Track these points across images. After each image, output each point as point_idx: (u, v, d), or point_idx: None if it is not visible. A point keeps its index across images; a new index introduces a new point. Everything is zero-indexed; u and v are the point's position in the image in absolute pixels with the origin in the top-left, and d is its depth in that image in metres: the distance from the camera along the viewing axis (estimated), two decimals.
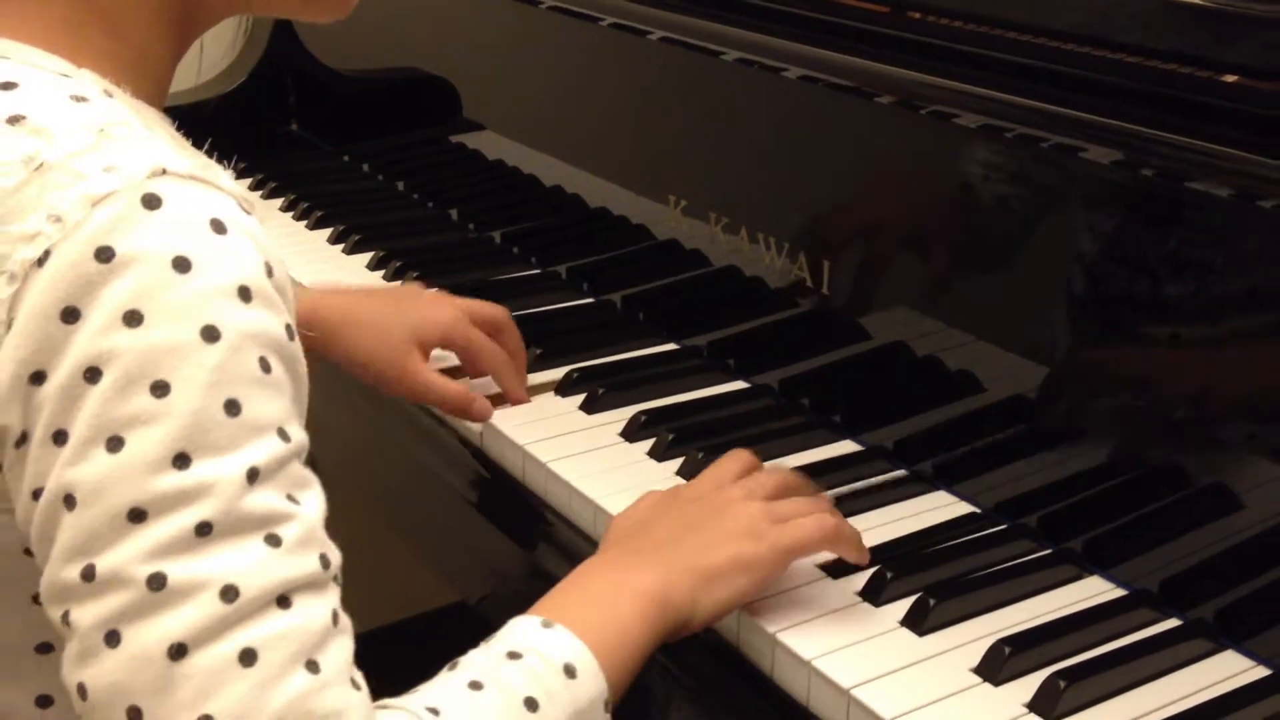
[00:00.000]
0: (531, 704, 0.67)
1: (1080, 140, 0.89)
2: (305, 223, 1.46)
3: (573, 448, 1.01)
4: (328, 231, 1.43)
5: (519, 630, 0.71)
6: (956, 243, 0.99)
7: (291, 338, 0.63)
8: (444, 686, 0.68)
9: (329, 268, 1.35)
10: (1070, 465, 0.90)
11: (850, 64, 1.02)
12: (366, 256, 1.36)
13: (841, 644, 0.80)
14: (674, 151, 1.20)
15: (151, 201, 0.59)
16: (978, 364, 0.95)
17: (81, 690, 0.58)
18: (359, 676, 0.62)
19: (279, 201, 1.52)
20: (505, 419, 1.03)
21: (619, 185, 1.25)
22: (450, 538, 1.11)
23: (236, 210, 0.62)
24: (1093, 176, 0.89)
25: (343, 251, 1.39)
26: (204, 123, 1.65)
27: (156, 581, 0.57)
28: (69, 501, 0.58)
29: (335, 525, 0.66)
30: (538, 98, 1.37)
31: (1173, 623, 0.83)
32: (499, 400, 1.06)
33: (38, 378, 0.58)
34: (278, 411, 0.61)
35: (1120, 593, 0.85)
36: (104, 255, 0.58)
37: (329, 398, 1.18)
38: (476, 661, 0.69)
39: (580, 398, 1.07)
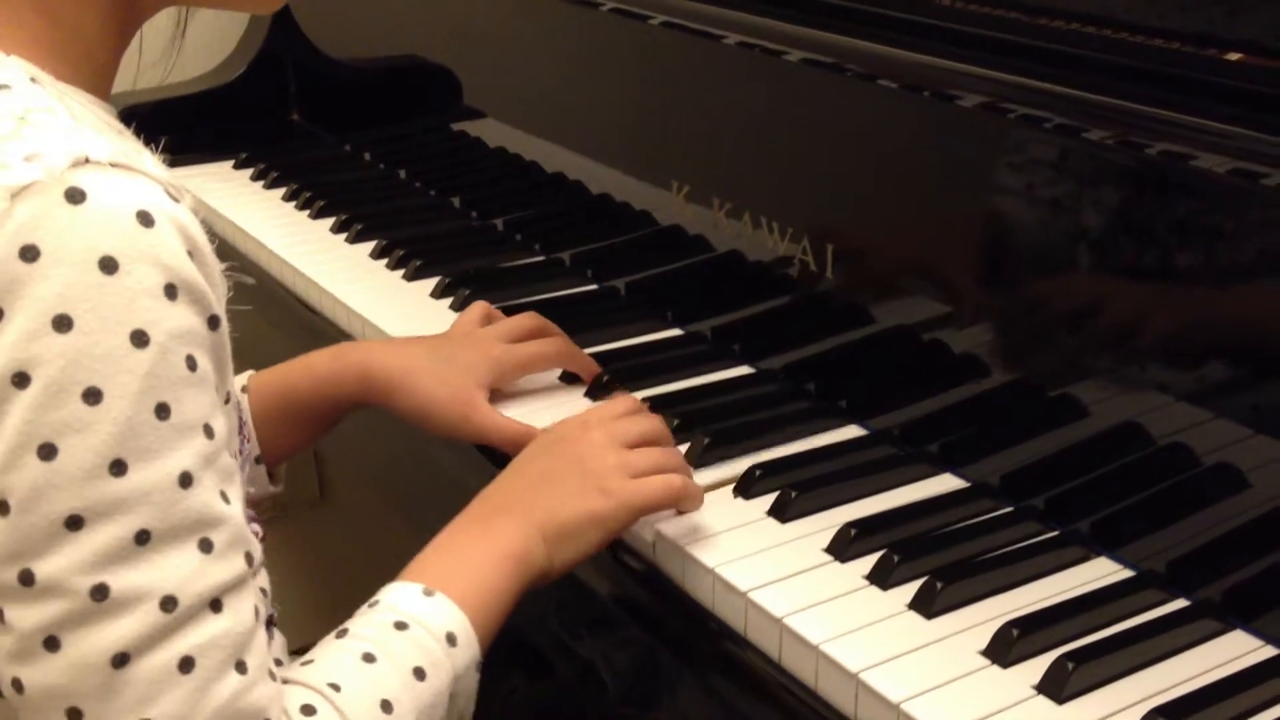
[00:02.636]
0: (419, 673, 0.71)
1: (1082, 121, 0.88)
2: (308, 212, 1.46)
3: None
4: (330, 221, 1.43)
5: (403, 598, 0.75)
6: (959, 225, 0.99)
7: (215, 327, 0.63)
8: (339, 659, 0.71)
9: (332, 257, 1.35)
10: (1076, 446, 0.90)
11: (851, 46, 1.02)
12: (369, 245, 1.36)
13: (849, 627, 0.80)
14: (676, 137, 1.19)
15: (75, 195, 0.58)
16: (983, 346, 0.95)
17: (17, 684, 0.60)
18: (272, 664, 0.66)
19: (281, 191, 1.52)
20: (509, 409, 1.03)
21: (621, 171, 1.25)
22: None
23: (163, 197, 0.61)
24: (1095, 156, 0.88)
25: (345, 241, 1.39)
26: (205, 113, 1.66)
27: (99, 593, 0.58)
28: (3, 507, 0.58)
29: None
30: (539, 84, 1.37)
31: (1180, 603, 0.83)
32: None
33: None
34: (203, 408, 0.62)
35: (1128, 574, 0.85)
36: (29, 254, 0.57)
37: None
38: (366, 632, 0.72)
39: (584, 385, 1.07)
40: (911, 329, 1.00)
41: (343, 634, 0.73)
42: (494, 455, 1.03)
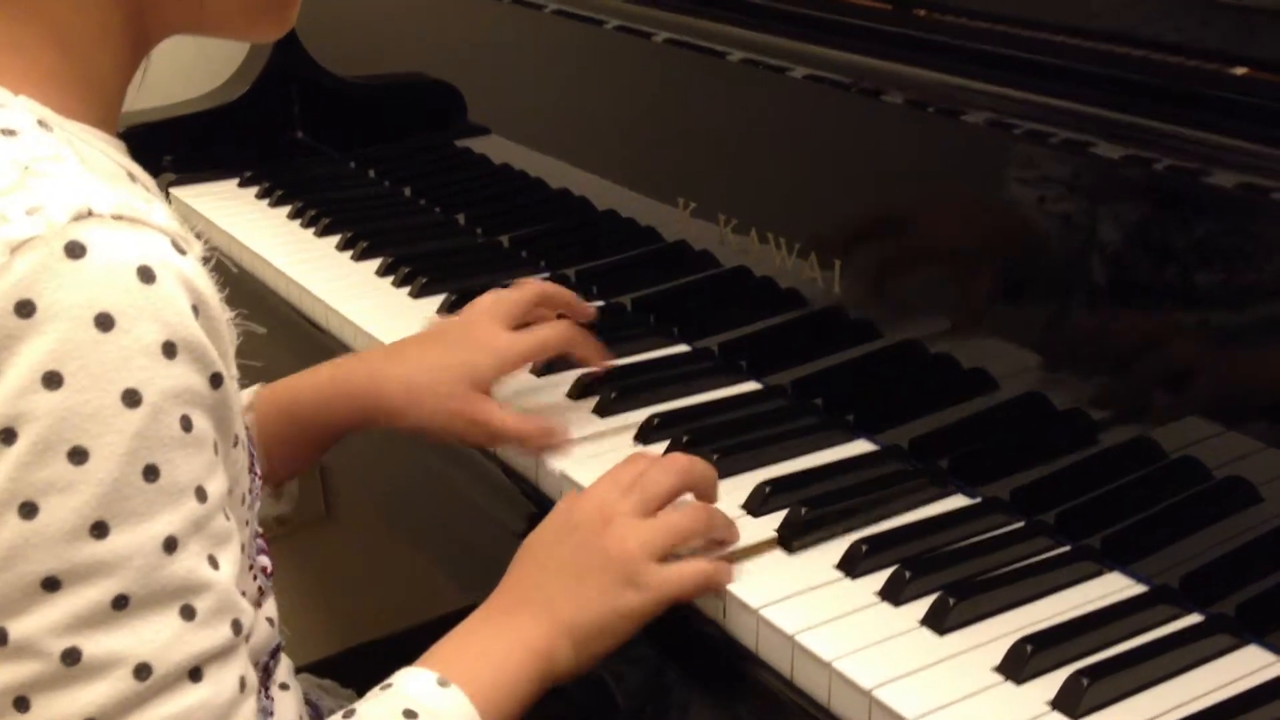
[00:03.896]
0: None
1: (1091, 136, 0.88)
2: (313, 230, 1.46)
3: (591, 453, 1.00)
4: (335, 238, 1.43)
5: (415, 686, 0.72)
6: (967, 239, 0.98)
7: (217, 385, 0.62)
8: None
9: (336, 274, 1.35)
10: (1087, 460, 0.90)
11: (855, 62, 1.02)
12: (375, 263, 1.36)
13: (862, 644, 0.79)
14: (681, 153, 1.19)
15: (75, 250, 0.57)
16: (992, 361, 0.95)
17: None
18: None
19: (286, 209, 1.52)
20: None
21: (626, 188, 1.25)
22: (460, 540, 1.11)
23: (168, 251, 0.60)
24: (1104, 172, 0.88)
25: (351, 258, 1.39)
26: (209, 131, 1.66)
27: (71, 657, 0.57)
28: None
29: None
30: (543, 101, 1.37)
31: (1194, 618, 0.82)
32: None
33: None
34: (197, 470, 0.60)
35: (1141, 589, 0.85)
36: (24, 310, 0.56)
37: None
38: (373, 715, 0.70)
39: (593, 401, 1.07)
40: (920, 343, 0.99)
41: (350, 714, 0.71)
42: (507, 470, 1.03)
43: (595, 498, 0.84)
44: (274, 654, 0.85)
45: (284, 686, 0.88)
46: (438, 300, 1.26)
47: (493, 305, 1.03)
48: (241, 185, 1.60)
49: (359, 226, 1.43)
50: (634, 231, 1.24)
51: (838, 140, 1.06)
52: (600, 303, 1.28)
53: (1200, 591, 0.83)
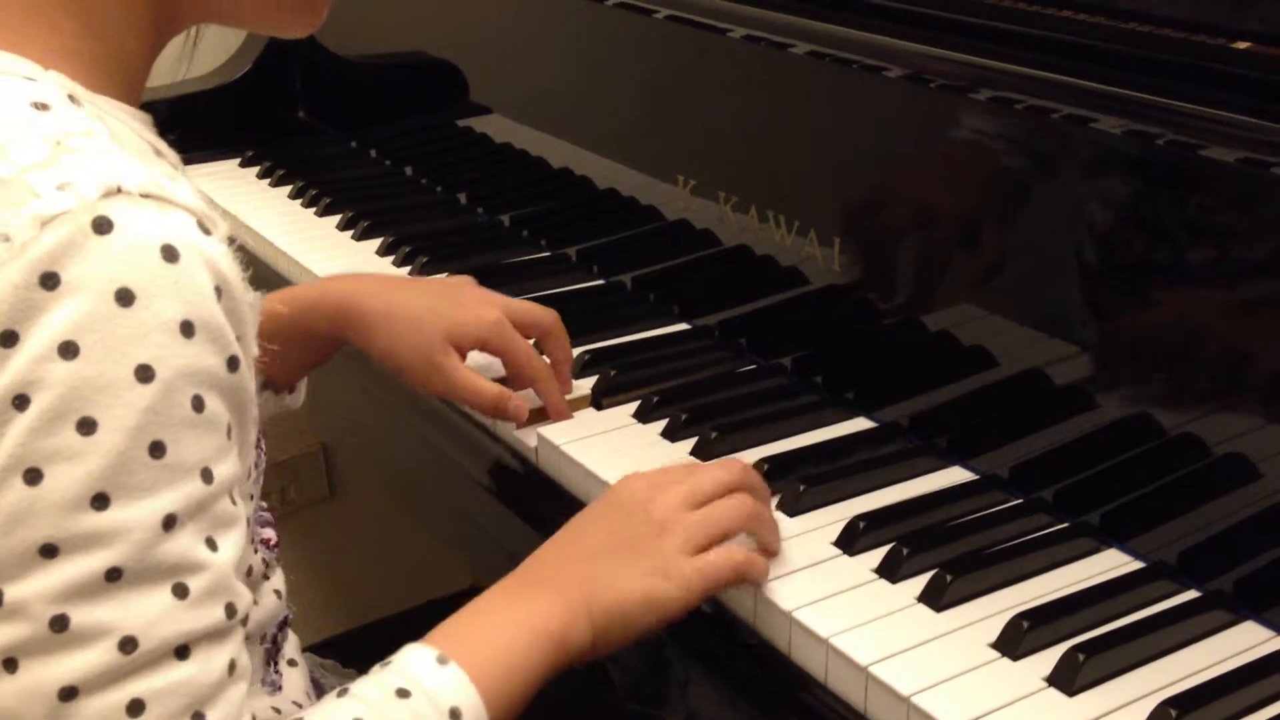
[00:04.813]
0: None
1: (1091, 110, 0.88)
2: (314, 210, 1.46)
3: (587, 429, 1.01)
4: (336, 218, 1.43)
5: (413, 662, 0.71)
6: (966, 216, 0.98)
7: (234, 368, 0.62)
8: (329, 718, 0.68)
9: (338, 254, 1.35)
10: (1086, 438, 0.90)
11: (856, 38, 1.02)
12: (376, 242, 1.36)
13: (859, 621, 0.80)
14: (682, 131, 1.19)
15: (102, 226, 0.57)
16: (991, 338, 0.95)
17: None
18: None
19: (287, 189, 1.52)
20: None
21: (627, 166, 1.25)
22: (463, 519, 1.11)
23: (193, 231, 0.60)
24: (1103, 146, 0.88)
25: (352, 238, 1.39)
26: (211, 111, 1.66)
27: (59, 623, 0.57)
28: None
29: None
30: (544, 80, 1.37)
31: (1191, 594, 0.82)
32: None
33: None
34: (205, 451, 0.60)
35: (1138, 565, 0.85)
36: (48, 281, 0.57)
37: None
38: (367, 693, 0.69)
39: (592, 379, 1.07)
40: (919, 320, 0.99)
41: (344, 693, 0.70)
42: (508, 447, 1.03)
43: (644, 481, 0.84)
44: (281, 626, 0.85)
45: (291, 663, 0.88)
46: None
47: (499, 294, 1.04)
48: (243, 165, 1.60)
49: (360, 206, 1.43)
50: (635, 210, 1.24)
51: (837, 117, 1.06)
52: (601, 281, 1.28)
53: (1198, 568, 0.83)
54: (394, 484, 1.35)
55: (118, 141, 0.62)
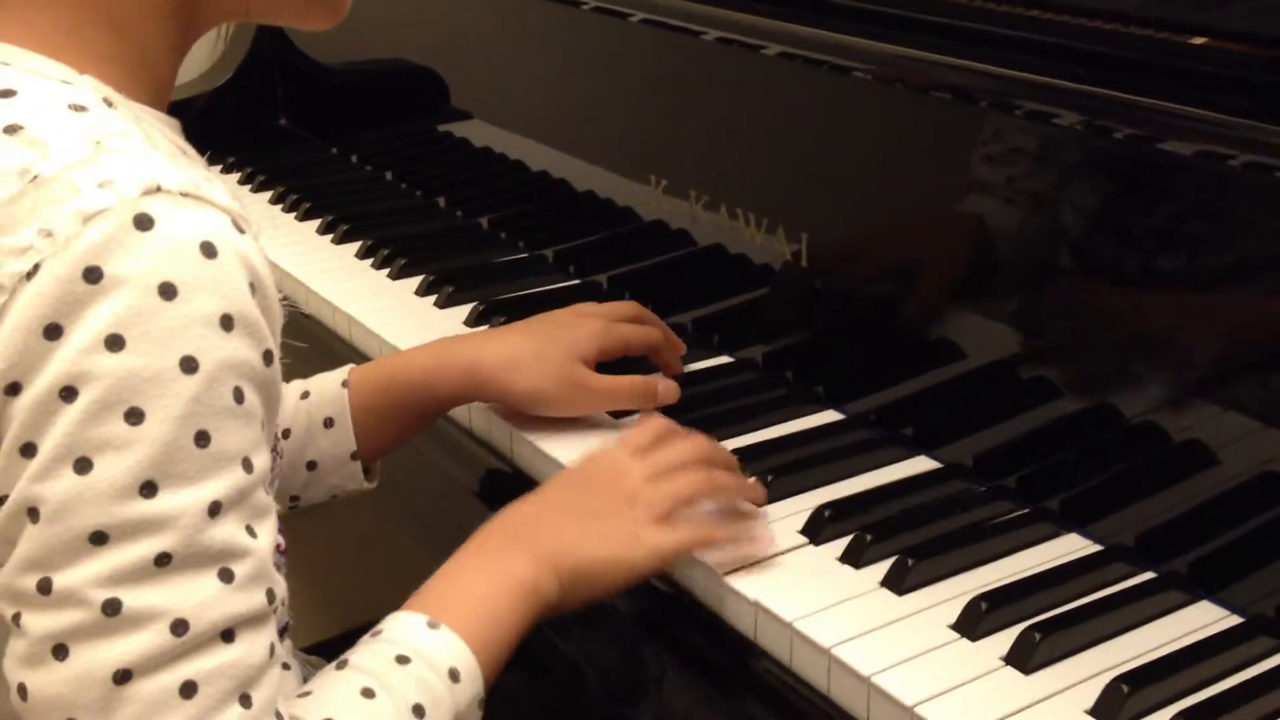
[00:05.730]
0: (419, 710, 0.69)
1: (1052, 106, 0.90)
2: (295, 214, 1.48)
3: (566, 425, 1.02)
4: (316, 222, 1.44)
5: (406, 630, 0.73)
6: (933, 211, 1.00)
7: (269, 362, 0.64)
8: (337, 692, 0.69)
9: (317, 257, 1.36)
10: (1047, 427, 0.91)
11: (822, 38, 1.03)
12: (355, 245, 1.38)
13: (823, 605, 0.81)
14: (654, 131, 1.21)
15: (143, 222, 0.59)
16: (957, 331, 0.97)
17: (22, 690, 0.60)
18: (283, 706, 0.65)
19: (268, 194, 1.53)
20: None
21: (602, 168, 1.26)
22: (450, 523, 1.12)
23: (229, 229, 0.62)
24: (1063, 142, 0.90)
25: (331, 241, 1.40)
26: (193, 118, 1.67)
27: (111, 607, 0.59)
28: (33, 514, 0.59)
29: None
30: (521, 84, 1.38)
31: (1148, 576, 0.84)
32: None
33: (13, 389, 0.59)
34: (245, 441, 0.62)
35: (1096, 548, 0.87)
36: (92, 275, 0.58)
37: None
38: (367, 664, 0.71)
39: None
40: (887, 315, 1.01)
41: (343, 665, 0.71)
42: (496, 453, 1.04)
43: (611, 457, 0.87)
44: (281, 634, 0.86)
45: (286, 666, 0.89)
46: (416, 281, 1.28)
47: (598, 309, 1.06)
48: (224, 171, 1.61)
49: (340, 210, 1.45)
50: (611, 212, 1.25)
51: (806, 116, 1.07)
52: (577, 281, 1.29)
53: (1155, 550, 0.85)
54: (385, 489, 1.36)
55: (151, 144, 0.63)
